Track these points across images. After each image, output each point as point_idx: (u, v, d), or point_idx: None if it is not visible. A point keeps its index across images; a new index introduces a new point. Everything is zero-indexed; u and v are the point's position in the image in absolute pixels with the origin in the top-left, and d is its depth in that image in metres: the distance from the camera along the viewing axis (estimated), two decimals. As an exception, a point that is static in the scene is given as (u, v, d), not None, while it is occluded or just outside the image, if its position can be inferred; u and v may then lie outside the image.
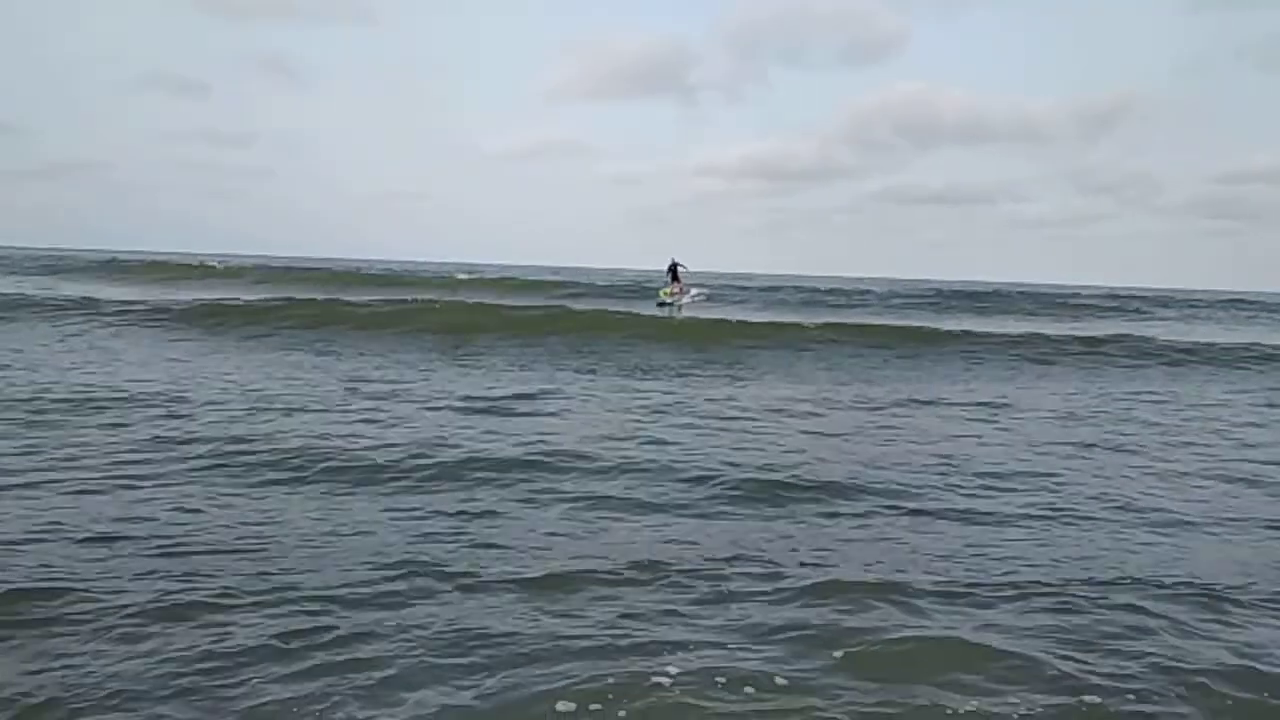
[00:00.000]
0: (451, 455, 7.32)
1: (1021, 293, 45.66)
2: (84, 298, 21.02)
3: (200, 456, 7.01)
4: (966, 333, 19.58)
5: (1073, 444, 8.94)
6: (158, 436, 7.62)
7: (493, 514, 5.88)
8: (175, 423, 8.24)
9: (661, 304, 27.21)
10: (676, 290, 28.41)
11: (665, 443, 8.21)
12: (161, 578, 4.52)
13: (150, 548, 4.95)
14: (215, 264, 43.58)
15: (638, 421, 9.42)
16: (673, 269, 28.47)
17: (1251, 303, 47.28)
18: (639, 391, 11.85)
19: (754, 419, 9.81)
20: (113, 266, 43.15)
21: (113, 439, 7.48)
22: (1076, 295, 47.20)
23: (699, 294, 29.80)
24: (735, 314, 24.96)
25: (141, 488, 6.11)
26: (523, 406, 10.10)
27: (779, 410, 10.54)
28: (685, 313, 25.16)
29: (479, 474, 6.83)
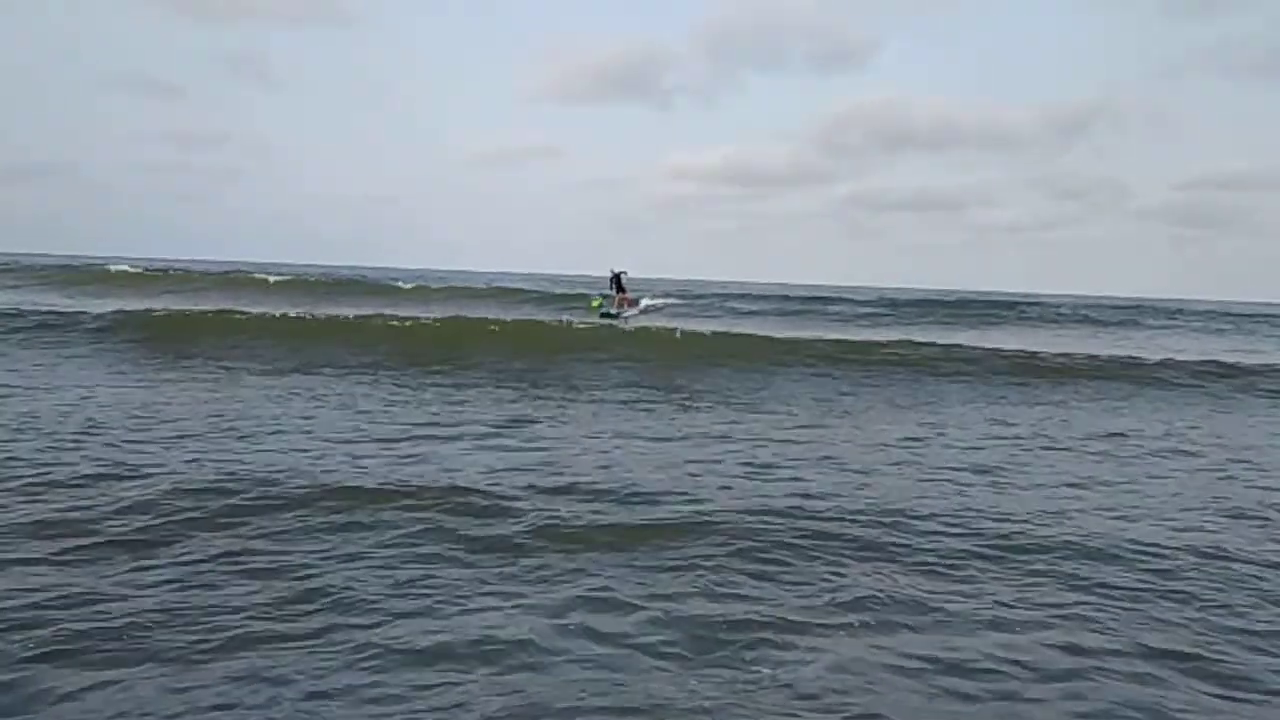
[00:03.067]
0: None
1: (1003, 302, 45.04)
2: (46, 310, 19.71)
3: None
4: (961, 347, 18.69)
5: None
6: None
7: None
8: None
9: (605, 315, 24.76)
10: (622, 301, 25.69)
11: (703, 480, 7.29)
12: None
13: None
14: (146, 272, 41.38)
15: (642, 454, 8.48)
16: (616, 279, 25.66)
17: (1225, 314, 47.21)
18: (629, 419, 10.89)
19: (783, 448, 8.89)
20: (72, 273, 41.45)
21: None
22: (1042, 303, 46.62)
23: (661, 303, 27.85)
24: (717, 326, 24.08)
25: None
26: (514, 436, 9.11)
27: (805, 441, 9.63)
28: (644, 322, 23.55)
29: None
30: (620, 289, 25.76)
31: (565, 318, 20.85)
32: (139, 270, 41.01)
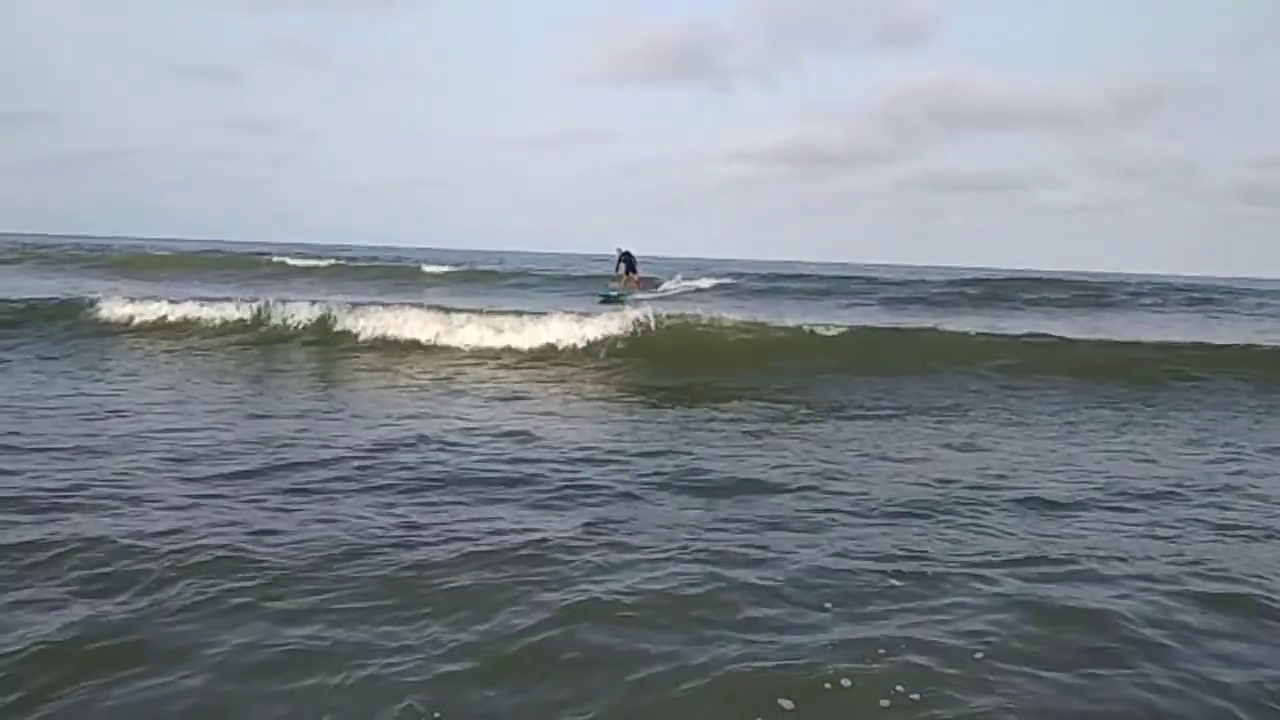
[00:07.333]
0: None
1: (1092, 284, 41.19)
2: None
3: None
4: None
5: None
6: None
7: None
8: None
9: (606, 299, 22.69)
10: (633, 282, 24.04)
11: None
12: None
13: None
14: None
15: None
16: (626, 258, 24.28)
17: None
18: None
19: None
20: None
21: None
22: (1126, 284, 42.92)
23: (691, 285, 25.66)
24: (793, 313, 21.52)
25: None
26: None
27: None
28: (699, 306, 20.63)
29: None
30: (631, 268, 24.48)
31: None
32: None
